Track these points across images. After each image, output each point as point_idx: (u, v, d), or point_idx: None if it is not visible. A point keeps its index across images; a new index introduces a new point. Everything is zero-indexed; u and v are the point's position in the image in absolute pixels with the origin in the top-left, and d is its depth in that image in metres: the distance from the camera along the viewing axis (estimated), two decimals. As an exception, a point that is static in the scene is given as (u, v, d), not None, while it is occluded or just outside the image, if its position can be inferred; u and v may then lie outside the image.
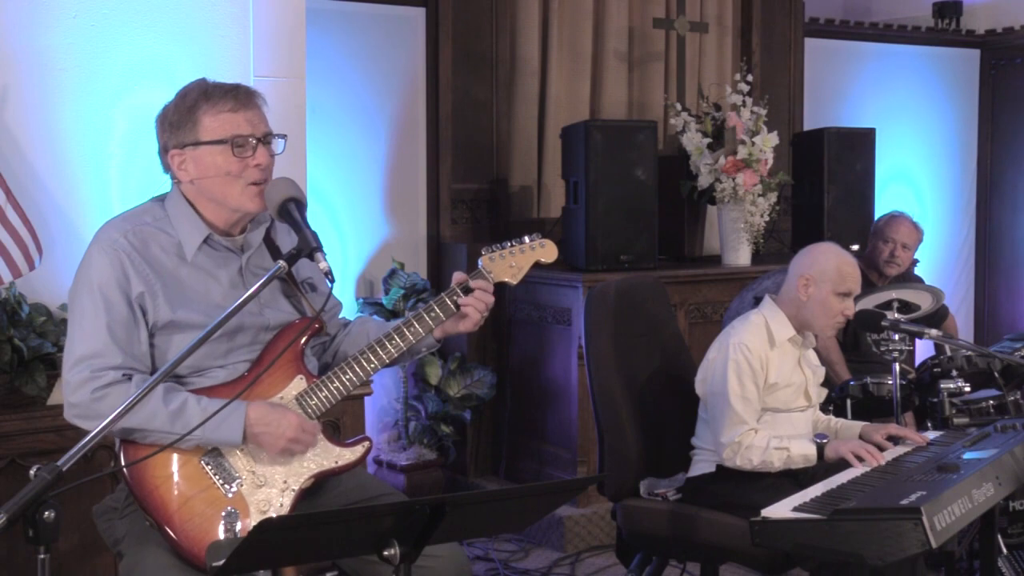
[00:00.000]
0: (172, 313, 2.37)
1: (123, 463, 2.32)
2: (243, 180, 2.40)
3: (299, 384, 2.45)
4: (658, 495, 3.33)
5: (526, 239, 2.59)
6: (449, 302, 2.50)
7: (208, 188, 2.43)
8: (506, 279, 2.56)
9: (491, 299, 2.53)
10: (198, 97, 2.42)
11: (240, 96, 2.42)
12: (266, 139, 2.43)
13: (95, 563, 3.44)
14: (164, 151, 2.46)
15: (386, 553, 1.90)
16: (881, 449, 3.13)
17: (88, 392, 2.31)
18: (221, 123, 2.39)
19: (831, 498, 2.66)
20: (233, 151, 2.38)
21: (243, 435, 2.33)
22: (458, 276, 2.54)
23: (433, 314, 2.49)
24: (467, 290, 2.52)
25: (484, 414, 5.15)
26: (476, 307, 2.51)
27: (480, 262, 2.56)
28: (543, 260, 2.60)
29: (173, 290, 2.39)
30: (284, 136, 2.48)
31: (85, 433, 1.98)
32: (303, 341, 2.47)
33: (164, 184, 2.55)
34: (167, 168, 2.48)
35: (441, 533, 1.92)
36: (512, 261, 2.56)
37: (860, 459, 3.05)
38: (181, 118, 2.41)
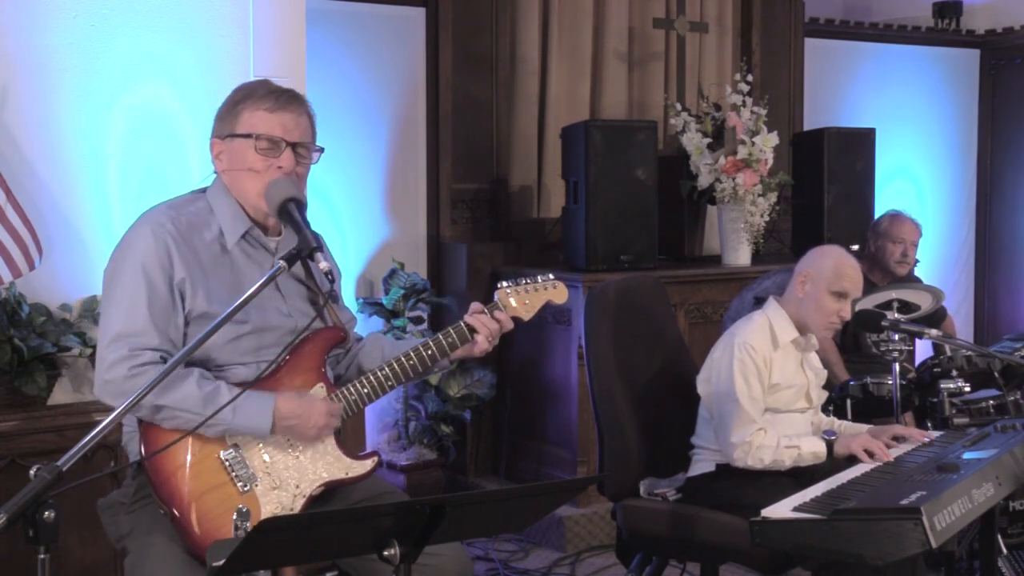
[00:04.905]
0: (208, 305, 2.39)
1: (141, 451, 2.33)
2: (264, 178, 2.43)
3: (319, 392, 2.47)
4: (658, 495, 3.33)
5: (539, 278, 2.66)
6: (466, 328, 2.57)
7: (234, 180, 2.48)
8: (519, 315, 2.63)
9: (495, 326, 2.58)
10: (247, 93, 2.49)
11: (282, 99, 2.47)
12: (298, 146, 2.46)
13: (95, 563, 3.44)
14: (210, 140, 2.54)
15: (386, 553, 1.90)
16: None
17: (125, 370, 2.31)
18: (256, 119, 2.44)
19: (831, 498, 2.66)
20: (256, 148, 2.43)
21: (271, 426, 2.35)
22: (476, 306, 2.60)
23: (450, 339, 2.56)
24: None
25: (484, 414, 5.15)
26: (484, 334, 2.57)
27: (496, 295, 2.62)
28: (554, 301, 2.68)
29: (211, 283, 2.42)
30: (321, 149, 2.52)
31: (86, 433, 1.98)
32: (327, 351, 2.51)
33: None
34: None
35: (441, 533, 1.92)
36: (526, 299, 2.64)
37: (871, 455, 3.06)
38: (227, 110, 2.50)
